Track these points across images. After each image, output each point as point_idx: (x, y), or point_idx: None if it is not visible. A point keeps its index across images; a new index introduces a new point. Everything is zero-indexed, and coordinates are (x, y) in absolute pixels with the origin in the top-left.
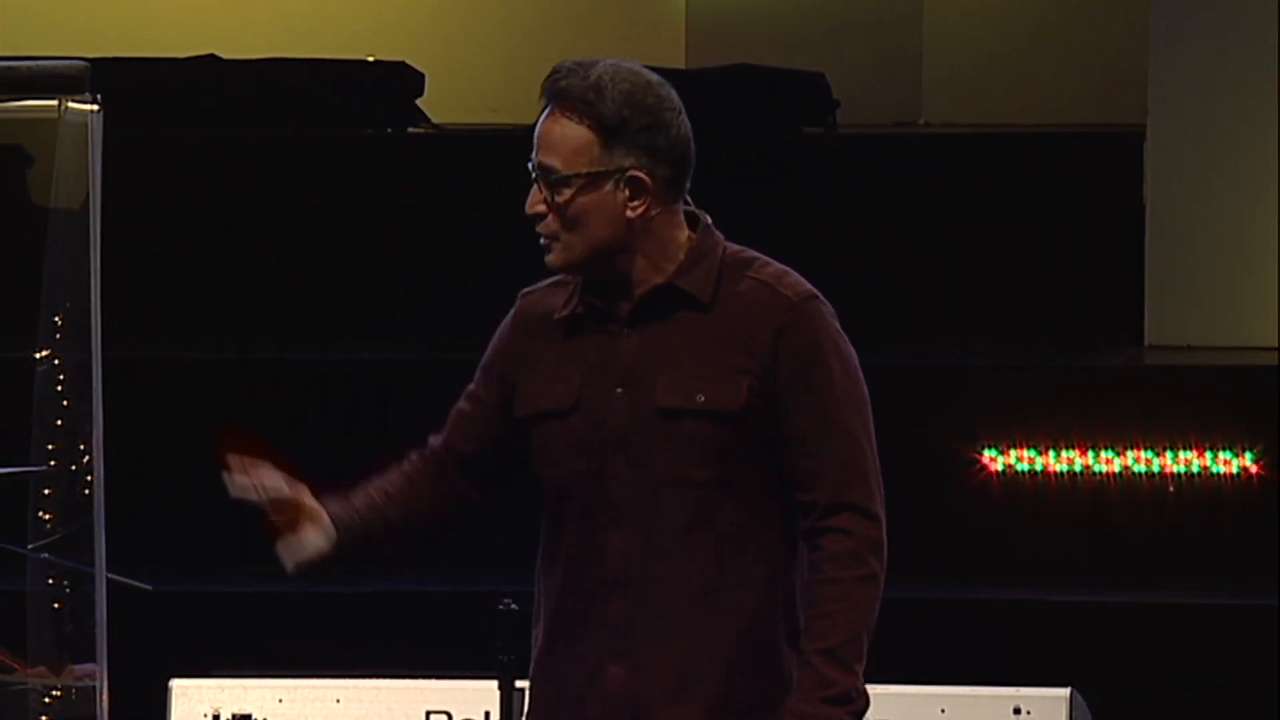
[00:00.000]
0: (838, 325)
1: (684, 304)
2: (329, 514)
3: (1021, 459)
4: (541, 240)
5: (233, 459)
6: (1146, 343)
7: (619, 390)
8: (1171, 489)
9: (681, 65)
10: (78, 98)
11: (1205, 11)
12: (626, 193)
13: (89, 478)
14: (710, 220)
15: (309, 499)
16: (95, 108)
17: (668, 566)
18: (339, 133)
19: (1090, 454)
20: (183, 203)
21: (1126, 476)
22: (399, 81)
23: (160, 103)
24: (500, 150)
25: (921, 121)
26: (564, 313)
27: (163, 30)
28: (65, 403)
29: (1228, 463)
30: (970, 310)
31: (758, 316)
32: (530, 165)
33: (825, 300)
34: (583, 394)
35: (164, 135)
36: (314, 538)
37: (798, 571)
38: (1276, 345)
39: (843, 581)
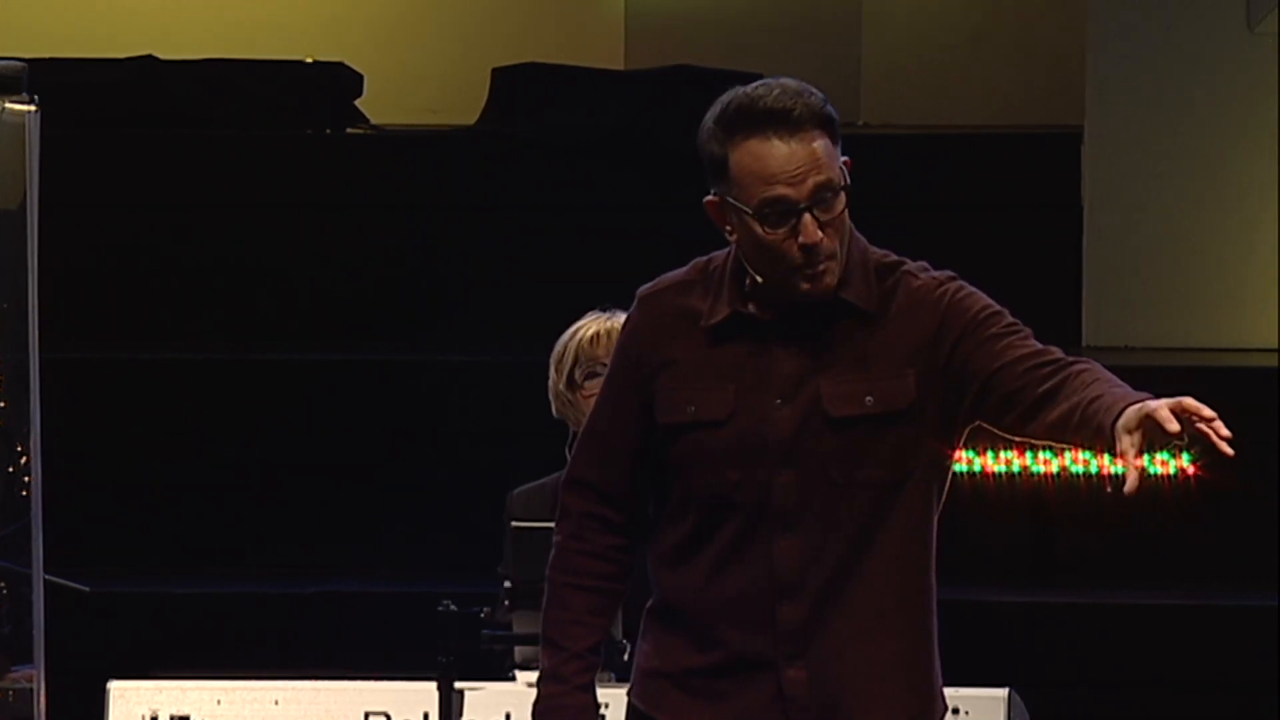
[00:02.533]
0: (980, 292)
1: (845, 313)
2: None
3: (960, 460)
4: (820, 269)
5: None
6: (1084, 343)
7: (778, 401)
8: (1109, 490)
9: (620, 66)
10: (15, 98)
11: (1142, 13)
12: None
13: (26, 479)
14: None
15: None
16: (33, 108)
17: (842, 568)
18: (278, 133)
19: (1028, 455)
20: (121, 203)
21: (1064, 477)
22: (338, 82)
23: (98, 103)
24: (439, 151)
25: (860, 122)
26: (712, 320)
27: (101, 30)
28: (2, 404)
29: (1165, 464)
30: None
31: (912, 312)
32: (757, 204)
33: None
34: (739, 405)
35: (102, 135)
36: None
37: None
38: (1213, 346)
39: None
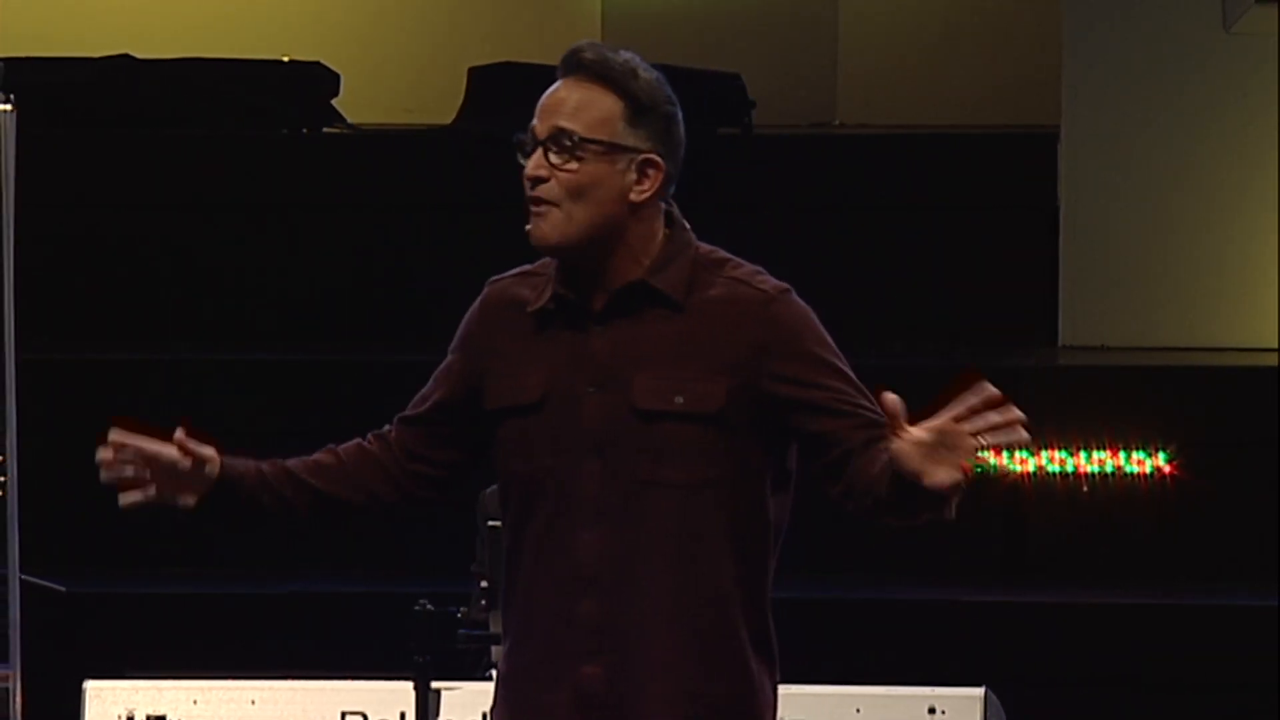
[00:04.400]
0: (812, 314)
1: (656, 302)
2: (222, 461)
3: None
4: (535, 209)
5: (104, 449)
6: (1060, 343)
7: (590, 389)
8: (1085, 489)
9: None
10: None
11: (1117, 13)
12: (634, 176)
13: (2, 479)
14: (686, 223)
15: (193, 445)
16: (8, 107)
17: (644, 567)
18: (255, 133)
19: (1004, 454)
20: (97, 203)
21: (1040, 476)
22: (314, 81)
23: (74, 102)
24: (415, 150)
25: (836, 122)
26: (536, 305)
27: (76, 30)
28: None
29: (1141, 463)
30: (884, 311)
31: (734, 317)
32: (527, 133)
33: (796, 294)
34: (551, 390)
35: (77, 135)
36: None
37: (767, 575)
38: (1189, 345)
39: None
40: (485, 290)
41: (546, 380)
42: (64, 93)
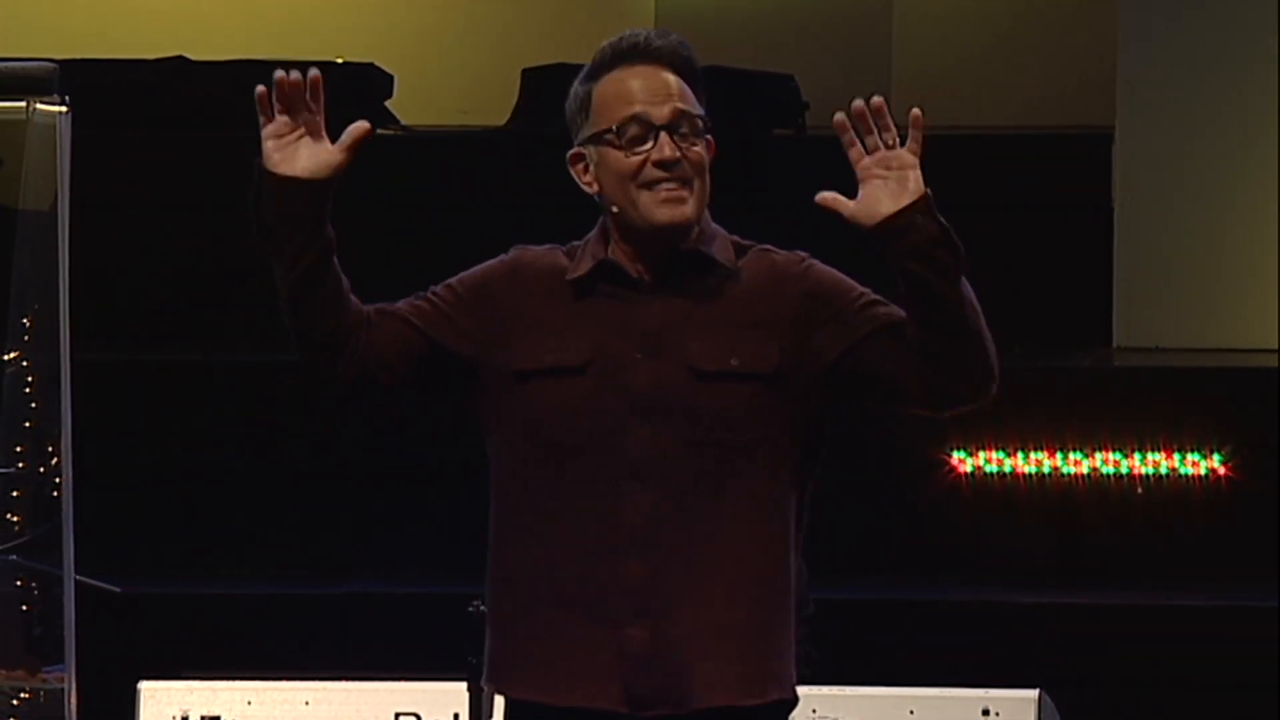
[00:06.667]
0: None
1: (707, 270)
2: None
3: (990, 460)
4: (673, 192)
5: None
6: (1115, 344)
7: (638, 355)
8: (1140, 490)
9: None
10: (46, 99)
11: (1173, 13)
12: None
13: (57, 479)
14: None
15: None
16: (64, 109)
17: (695, 526)
18: None
19: (1059, 455)
20: (151, 204)
21: (1095, 478)
22: (368, 83)
23: (129, 104)
24: (469, 152)
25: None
26: (577, 273)
27: (132, 31)
28: (34, 404)
29: (1196, 464)
30: None
31: (777, 280)
32: (623, 123)
33: None
34: (597, 355)
35: (133, 136)
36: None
37: (801, 534)
38: (1244, 346)
39: None
40: (513, 253)
41: (592, 345)
42: (119, 94)
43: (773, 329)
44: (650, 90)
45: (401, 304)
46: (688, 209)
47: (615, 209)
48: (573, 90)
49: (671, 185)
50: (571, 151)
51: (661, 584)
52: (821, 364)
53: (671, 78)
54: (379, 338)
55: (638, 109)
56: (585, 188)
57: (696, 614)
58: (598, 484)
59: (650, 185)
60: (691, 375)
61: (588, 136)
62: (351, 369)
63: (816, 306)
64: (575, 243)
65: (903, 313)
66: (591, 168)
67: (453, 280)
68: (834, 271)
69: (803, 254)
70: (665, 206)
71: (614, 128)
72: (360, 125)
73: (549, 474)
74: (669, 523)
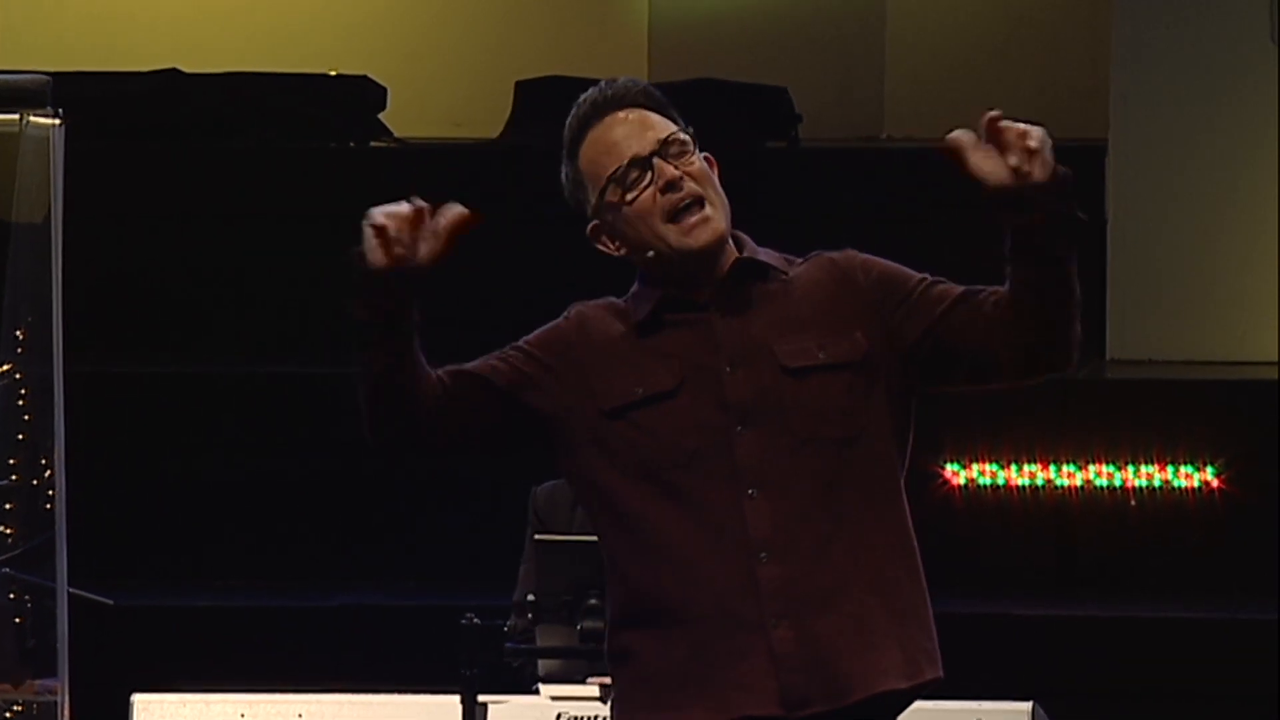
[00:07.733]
0: None
1: (764, 278)
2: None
3: (984, 473)
4: (693, 216)
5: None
6: (1108, 356)
7: (728, 369)
8: (1133, 503)
9: (644, 79)
10: (39, 111)
11: (1166, 25)
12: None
13: (50, 492)
14: None
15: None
16: (57, 121)
17: (817, 524)
18: (301, 146)
19: (1052, 468)
20: (145, 216)
21: (1088, 490)
22: (361, 95)
23: (123, 116)
24: (462, 163)
25: (884, 135)
26: (641, 315)
27: (125, 44)
28: (26, 417)
29: (1189, 476)
30: None
31: (840, 275)
32: (613, 172)
33: None
34: (687, 374)
35: (126, 148)
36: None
37: (909, 517)
38: (1237, 359)
39: None
40: (574, 309)
41: (679, 367)
42: (113, 106)
43: (852, 319)
44: (627, 133)
45: (474, 366)
46: (715, 224)
47: (650, 254)
48: (562, 175)
49: (691, 210)
50: (589, 227)
51: (799, 583)
52: (903, 346)
53: (639, 114)
54: (460, 406)
55: (624, 153)
56: (615, 254)
57: (840, 607)
58: (715, 498)
59: (673, 218)
60: (785, 375)
61: (595, 202)
62: (439, 439)
63: (888, 291)
64: (623, 298)
65: (961, 288)
66: (612, 232)
67: (519, 343)
68: (887, 260)
69: (851, 250)
70: (695, 231)
71: (612, 180)
72: (459, 211)
73: (663, 500)
74: (793, 522)
